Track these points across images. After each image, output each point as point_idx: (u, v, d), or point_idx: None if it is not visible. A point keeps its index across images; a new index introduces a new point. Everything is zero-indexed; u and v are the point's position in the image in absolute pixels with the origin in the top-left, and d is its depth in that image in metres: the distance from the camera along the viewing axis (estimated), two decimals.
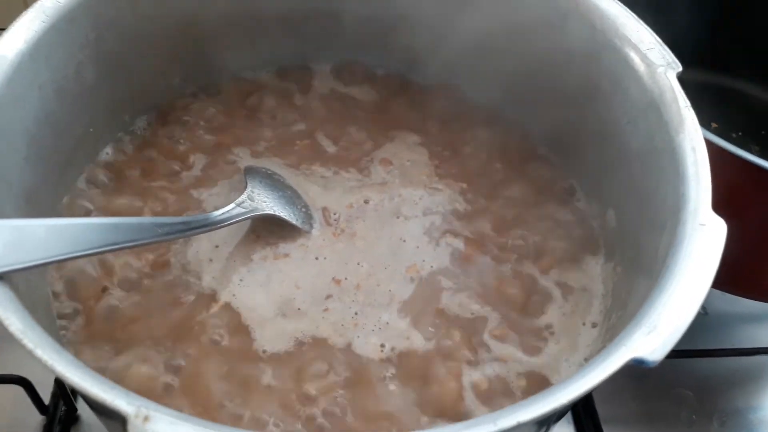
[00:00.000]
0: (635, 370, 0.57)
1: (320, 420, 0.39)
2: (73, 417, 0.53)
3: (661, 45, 0.43)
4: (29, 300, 0.33)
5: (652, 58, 0.42)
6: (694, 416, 0.57)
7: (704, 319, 0.62)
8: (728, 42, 0.69)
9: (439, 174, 0.51)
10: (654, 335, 0.30)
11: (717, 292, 0.61)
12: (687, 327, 0.31)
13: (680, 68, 0.42)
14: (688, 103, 0.40)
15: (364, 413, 0.40)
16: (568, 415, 0.56)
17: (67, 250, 0.34)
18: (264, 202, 0.47)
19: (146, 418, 0.27)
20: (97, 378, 0.28)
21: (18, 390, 0.50)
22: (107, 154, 0.49)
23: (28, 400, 0.51)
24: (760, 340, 0.62)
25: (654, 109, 0.41)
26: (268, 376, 0.41)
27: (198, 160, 0.50)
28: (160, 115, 0.52)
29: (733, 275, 0.57)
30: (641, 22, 0.44)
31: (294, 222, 0.47)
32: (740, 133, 0.67)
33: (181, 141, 0.51)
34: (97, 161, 0.49)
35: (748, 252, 0.54)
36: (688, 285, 0.32)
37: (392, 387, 0.41)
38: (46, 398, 0.52)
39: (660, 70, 0.42)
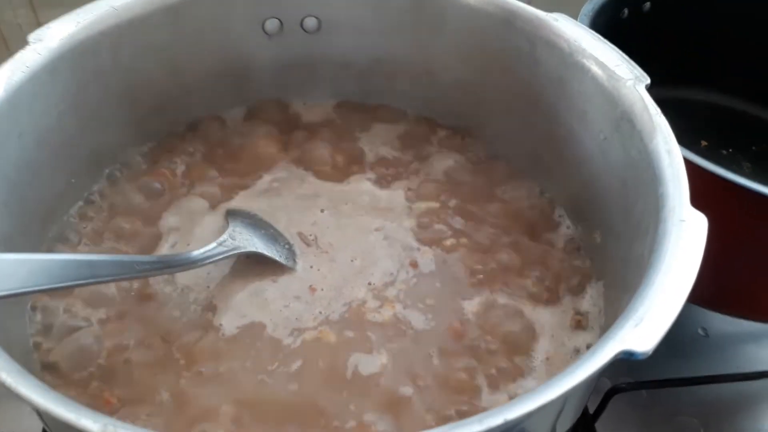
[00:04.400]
0: (639, 398, 0.55)
1: None
2: None
3: (628, 61, 0.44)
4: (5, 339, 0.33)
5: (620, 73, 0.43)
6: None
7: (705, 342, 0.61)
8: (718, 59, 0.68)
9: (416, 194, 0.51)
10: (642, 327, 0.29)
11: (717, 314, 0.60)
12: (674, 318, 0.30)
13: (648, 80, 0.42)
14: (659, 111, 0.40)
15: None
16: None
17: (41, 282, 0.34)
18: (246, 240, 0.46)
19: None
20: (62, 399, 0.27)
21: None
22: (87, 205, 0.49)
23: None
24: (762, 360, 0.60)
25: (626, 120, 0.42)
26: None
27: (177, 210, 0.50)
28: (140, 165, 0.52)
29: (732, 297, 0.57)
30: (606, 41, 0.45)
31: (278, 258, 0.46)
32: (731, 150, 0.65)
33: (162, 190, 0.51)
34: (77, 213, 0.48)
35: (745, 274, 0.53)
36: (673, 278, 0.32)
37: None
38: None
39: (629, 83, 0.42)
